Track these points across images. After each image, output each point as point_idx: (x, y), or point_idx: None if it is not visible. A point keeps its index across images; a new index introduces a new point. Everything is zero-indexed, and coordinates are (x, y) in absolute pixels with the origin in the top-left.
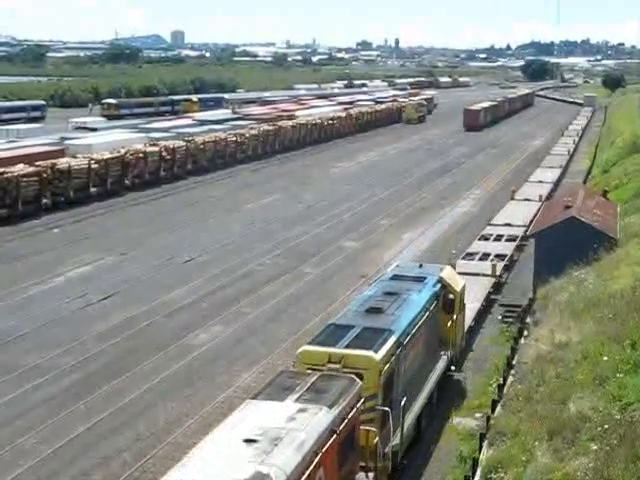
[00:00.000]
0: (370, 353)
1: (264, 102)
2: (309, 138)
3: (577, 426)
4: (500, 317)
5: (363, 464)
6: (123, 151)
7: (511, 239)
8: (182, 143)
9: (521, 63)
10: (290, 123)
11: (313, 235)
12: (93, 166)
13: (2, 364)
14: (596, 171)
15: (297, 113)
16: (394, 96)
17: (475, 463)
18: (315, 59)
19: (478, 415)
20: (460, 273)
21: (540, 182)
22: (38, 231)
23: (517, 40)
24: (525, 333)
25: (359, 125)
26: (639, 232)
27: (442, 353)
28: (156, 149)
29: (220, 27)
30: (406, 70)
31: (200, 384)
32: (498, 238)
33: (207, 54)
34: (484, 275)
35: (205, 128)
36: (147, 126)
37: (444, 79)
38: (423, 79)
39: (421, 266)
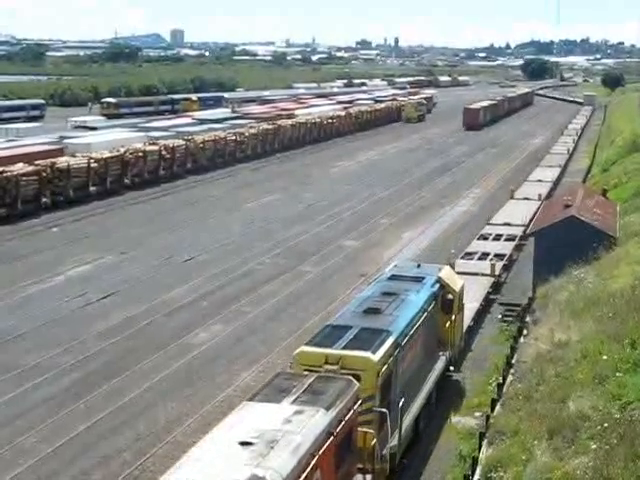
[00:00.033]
0: (367, 354)
1: (264, 101)
2: (309, 137)
3: (577, 425)
4: (500, 316)
5: (361, 466)
6: (123, 150)
7: (510, 238)
8: (182, 142)
9: (520, 62)
10: (290, 122)
11: (313, 234)
12: (92, 165)
13: (2, 363)
14: (596, 170)
15: (297, 112)
16: (394, 95)
17: (475, 462)
18: (315, 58)
19: (478, 414)
20: (459, 273)
21: (539, 181)
22: (38, 230)
23: (517, 39)
24: (525, 332)
25: (359, 124)
26: (639, 231)
27: (441, 354)
28: (156, 148)
29: (220, 26)
30: (406, 69)
31: (200, 383)
32: (497, 237)
33: (207, 53)
34: (483, 275)
35: (205, 127)
36: (147, 125)
37: (444, 78)
38: (423, 78)
39: (419, 266)
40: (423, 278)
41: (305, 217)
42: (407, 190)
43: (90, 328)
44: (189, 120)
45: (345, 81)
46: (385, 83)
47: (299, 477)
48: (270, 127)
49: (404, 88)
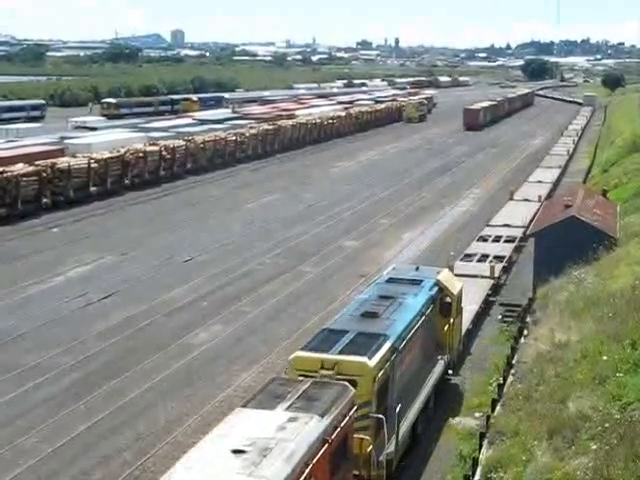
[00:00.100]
0: (364, 359)
1: (264, 101)
2: (309, 137)
3: (577, 425)
4: (500, 317)
5: (357, 473)
6: (123, 150)
7: (510, 240)
8: (182, 142)
9: (521, 62)
10: (290, 122)
11: (313, 234)
12: (93, 165)
13: (2, 363)
14: (596, 170)
15: (297, 112)
16: (394, 95)
17: (475, 462)
18: (315, 58)
19: (478, 414)
20: (458, 275)
21: (539, 182)
22: (38, 230)
23: (517, 40)
24: (525, 332)
25: (359, 124)
26: (639, 231)
27: (439, 357)
28: (156, 148)
29: (220, 27)
30: (406, 69)
31: (200, 383)
32: (497, 239)
33: (207, 53)
34: (482, 277)
35: (205, 127)
36: (147, 125)
37: (444, 78)
38: (423, 78)
39: (418, 269)
40: (421, 281)
41: (305, 217)
42: (407, 190)
43: (90, 328)
44: (189, 120)
45: (345, 81)
46: (385, 83)
47: None
48: (270, 127)
49: (404, 88)
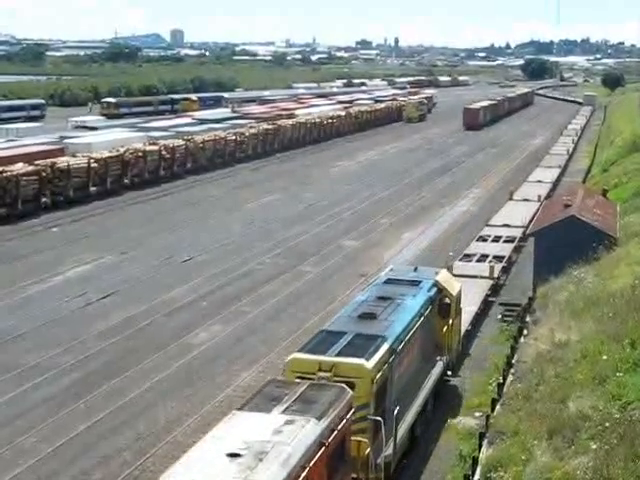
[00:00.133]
0: (361, 361)
1: (263, 101)
2: (309, 137)
3: (577, 425)
4: (500, 316)
5: (354, 476)
6: (122, 150)
7: (509, 240)
8: (181, 142)
9: (520, 62)
10: (290, 122)
11: (313, 234)
12: (92, 165)
13: (2, 363)
14: (596, 170)
15: (297, 112)
16: (393, 95)
17: (475, 462)
18: (315, 58)
19: (478, 414)
20: (457, 275)
21: (539, 182)
22: (37, 230)
23: (517, 39)
24: (525, 332)
25: (359, 124)
26: (639, 231)
27: (438, 359)
28: (155, 148)
29: (220, 26)
30: (406, 69)
31: (200, 383)
32: (496, 239)
33: (207, 53)
34: (482, 277)
35: (204, 127)
36: (146, 125)
37: (443, 78)
38: (422, 78)
39: (416, 269)
40: (420, 282)
41: (305, 217)
42: (407, 190)
43: (90, 328)
44: (189, 120)
45: (345, 81)
46: (385, 83)
47: None
48: (270, 127)
49: (404, 88)
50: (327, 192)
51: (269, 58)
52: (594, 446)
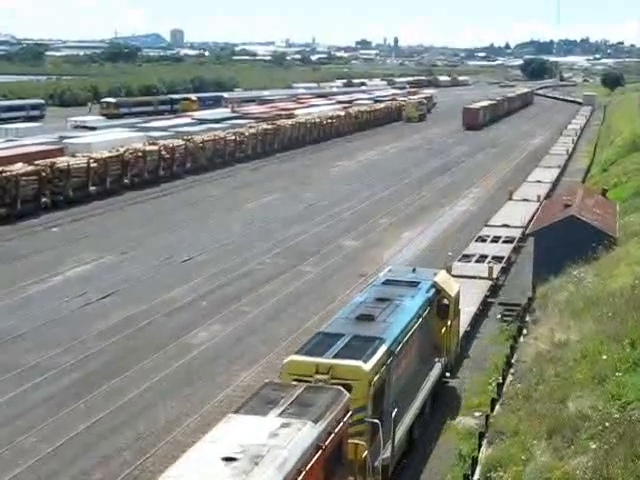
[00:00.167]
0: (359, 363)
1: (263, 101)
2: (308, 137)
3: (576, 425)
4: (499, 316)
5: (352, 479)
6: (122, 150)
7: (509, 240)
8: (181, 142)
9: (520, 62)
10: (289, 122)
11: (313, 234)
12: (92, 165)
13: (2, 363)
14: (595, 170)
15: (296, 112)
16: (393, 95)
17: (474, 462)
18: (314, 58)
19: (477, 414)
20: (456, 276)
21: (538, 182)
22: (37, 230)
23: (516, 39)
24: (525, 332)
25: (358, 124)
26: (638, 231)
27: (436, 360)
28: (155, 148)
29: (219, 26)
30: (405, 69)
31: (200, 383)
32: (495, 239)
33: (206, 53)
34: (481, 278)
35: (204, 127)
36: (146, 125)
37: (443, 78)
38: (422, 78)
39: (414, 270)
40: (418, 283)
41: (305, 217)
42: (407, 190)
43: (90, 328)
44: (188, 120)
45: (345, 81)
46: (385, 83)
47: None
48: (270, 127)
49: (404, 88)
50: (327, 192)
51: (269, 58)
52: (594, 446)
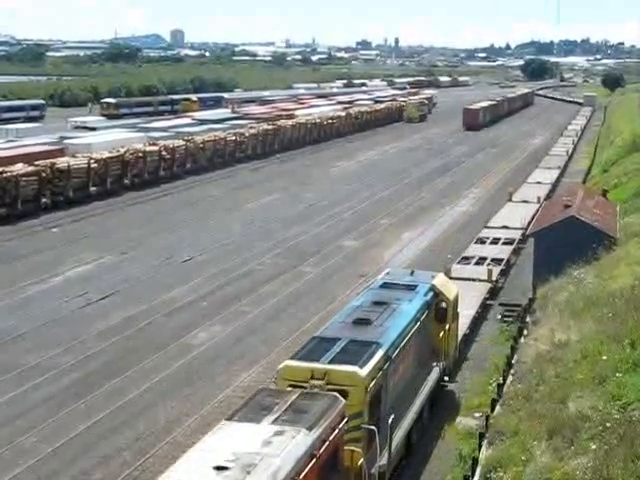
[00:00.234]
0: (355, 369)
1: (263, 101)
2: (309, 137)
3: (576, 425)
4: (500, 317)
5: None
6: (122, 150)
7: (508, 242)
8: (181, 142)
9: (520, 62)
10: (290, 122)
11: (313, 234)
12: (92, 165)
13: (2, 363)
14: (595, 170)
15: (296, 112)
16: (393, 95)
17: (474, 462)
18: (315, 58)
19: (477, 414)
20: (455, 278)
21: (538, 183)
22: (37, 230)
23: (517, 39)
24: (525, 332)
25: (358, 124)
26: (639, 231)
27: (434, 364)
28: (155, 148)
29: (220, 26)
30: (405, 69)
31: (200, 383)
32: (495, 241)
33: (207, 53)
34: (480, 280)
35: (204, 127)
36: (146, 125)
37: (443, 78)
38: (422, 78)
39: (412, 273)
40: (416, 286)
41: (305, 217)
42: (407, 190)
43: (90, 328)
44: (189, 120)
45: (345, 81)
46: (385, 83)
47: None
48: (270, 127)
49: (404, 88)
50: (327, 192)
51: (269, 58)
52: (594, 446)
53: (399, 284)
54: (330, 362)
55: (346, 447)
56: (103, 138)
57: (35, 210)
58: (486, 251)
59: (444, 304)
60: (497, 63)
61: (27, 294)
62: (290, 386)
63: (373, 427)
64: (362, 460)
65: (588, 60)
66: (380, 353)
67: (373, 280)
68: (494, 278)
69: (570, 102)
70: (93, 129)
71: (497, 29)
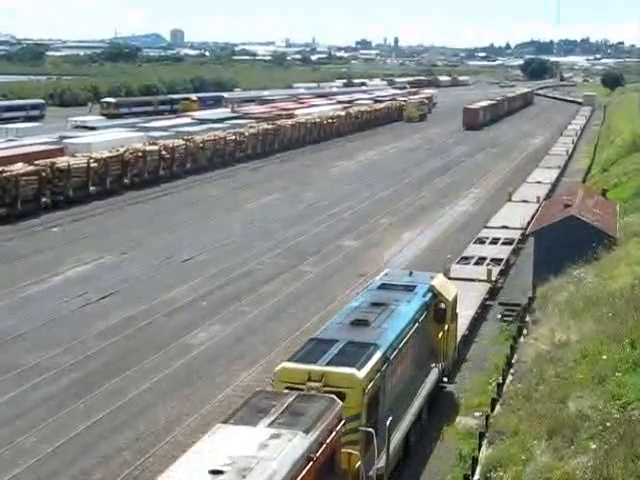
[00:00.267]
0: (353, 371)
1: (263, 101)
2: (308, 137)
3: (576, 425)
4: (499, 316)
5: None
6: (122, 150)
7: (508, 242)
8: (181, 142)
9: (520, 62)
10: (289, 122)
11: (313, 234)
12: (92, 165)
13: (2, 363)
14: (595, 170)
15: (296, 112)
16: (393, 95)
17: (474, 462)
18: (314, 58)
19: (477, 414)
20: (454, 278)
21: (538, 183)
22: (37, 230)
23: (517, 39)
24: (525, 332)
25: (358, 124)
26: (639, 231)
27: (433, 365)
28: (155, 148)
29: (219, 26)
30: (405, 69)
31: (199, 383)
32: (494, 241)
33: (206, 53)
34: (479, 281)
35: (204, 127)
36: (146, 125)
37: (443, 78)
38: (422, 78)
39: (411, 274)
40: (414, 287)
41: (305, 217)
42: (407, 190)
43: (90, 328)
44: (189, 120)
45: (345, 81)
46: (385, 83)
47: None
48: (270, 127)
49: (404, 88)
50: (327, 192)
51: (269, 58)
52: (594, 446)
53: (398, 285)
54: (327, 364)
55: (343, 450)
56: (103, 138)
57: (35, 210)
58: (485, 251)
59: (443, 305)
60: (497, 63)
61: (27, 294)
62: (287, 388)
63: (371, 429)
64: (360, 463)
65: (588, 60)
66: (378, 355)
67: (372, 281)
68: (493, 278)
69: (570, 102)
70: (93, 129)
71: (497, 29)
